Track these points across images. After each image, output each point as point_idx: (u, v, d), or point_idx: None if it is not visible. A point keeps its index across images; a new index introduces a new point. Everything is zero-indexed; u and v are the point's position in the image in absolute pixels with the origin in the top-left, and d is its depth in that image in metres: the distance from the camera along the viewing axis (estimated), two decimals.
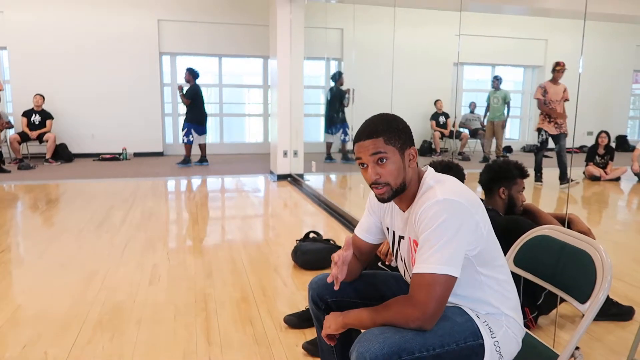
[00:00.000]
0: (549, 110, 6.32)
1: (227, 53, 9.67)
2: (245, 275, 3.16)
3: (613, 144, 8.45)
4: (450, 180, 1.40)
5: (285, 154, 6.90)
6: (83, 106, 8.83)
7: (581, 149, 8.75)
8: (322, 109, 10.51)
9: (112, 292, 2.85)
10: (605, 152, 7.11)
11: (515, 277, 1.66)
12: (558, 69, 6.30)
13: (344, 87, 8.35)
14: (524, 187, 2.47)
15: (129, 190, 6.06)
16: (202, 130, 8.14)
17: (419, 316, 1.26)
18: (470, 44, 10.28)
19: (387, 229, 1.57)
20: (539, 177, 6.39)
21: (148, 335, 2.34)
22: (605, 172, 7.07)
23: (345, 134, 8.44)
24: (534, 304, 2.35)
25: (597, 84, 9.78)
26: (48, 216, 4.70)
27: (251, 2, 9.25)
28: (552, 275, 1.52)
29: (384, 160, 1.35)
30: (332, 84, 8.45)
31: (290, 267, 3.33)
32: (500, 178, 2.43)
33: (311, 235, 3.49)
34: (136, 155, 9.01)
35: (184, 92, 7.83)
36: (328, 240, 3.43)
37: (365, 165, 1.38)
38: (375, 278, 1.66)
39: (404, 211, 1.46)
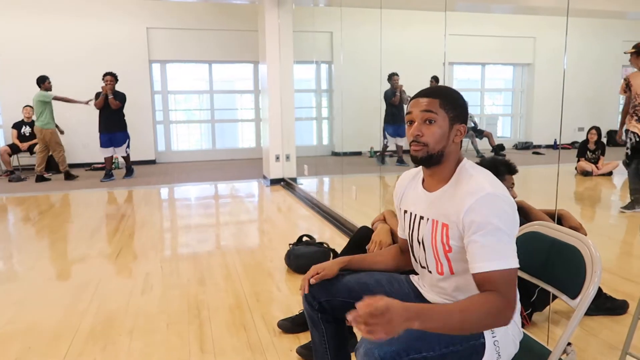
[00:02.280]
0: (633, 109, 4.70)
1: (217, 59, 9.66)
2: (238, 281, 3.14)
3: (604, 139, 8.50)
4: (490, 174, 1.37)
5: (277, 158, 6.89)
6: (74, 116, 8.78)
7: (573, 144, 8.80)
8: (314, 112, 10.53)
9: (104, 302, 2.82)
10: (596, 148, 7.15)
11: None
12: None
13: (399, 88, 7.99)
14: (513, 183, 2.47)
15: (122, 199, 6.02)
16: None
17: (512, 313, 1.24)
18: (460, 44, 10.32)
19: (405, 211, 1.54)
20: (634, 202, 4.59)
21: (141, 345, 2.31)
22: (596, 167, 7.11)
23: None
24: (528, 301, 2.35)
25: (588, 80, 9.84)
26: (40, 227, 4.66)
27: (239, 8, 9.25)
28: (543, 271, 1.51)
29: (432, 121, 1.34)
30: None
31: (284, 271, 3.32)
32: None
33: (304, 239, 3.48)
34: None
35: (114, 95, 7.16)
36: (321, 244, 3.41)
37: (412, 122, 1.38)
38: (368, 278, 1.64)
39: (430, 192, 1.43)
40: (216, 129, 10.14)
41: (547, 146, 10.74)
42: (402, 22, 9.80)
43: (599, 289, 2.55)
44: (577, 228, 2.35)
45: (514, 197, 2.48)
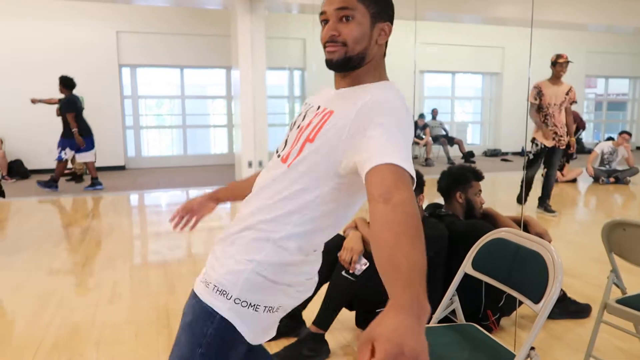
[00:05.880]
0: (543, 117, 4.90)
1: (189, 64, 9.56)
2: None
3: None
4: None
5: (250, 164, 6.86)
6: (39, 121, 8.54)
7: None
8: (287, 119, 10.53)
9: (70, 313, 2.74)
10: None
11: (477, 280, 1.69)
12: (561, 61, 4.82)
13: None
14: (480, 190, 2.53)
15: (89, 206, 5.89)
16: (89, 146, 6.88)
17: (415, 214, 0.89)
18: (431, 53, 10.51)
19: (307, 103, 1.29)
20: (527, 199, 5.07)
21: (107, 357, 2.26)
22: (562, 174, 7.31)
23: None
24: (496, 305, 2.39)
25: None
26: (1, 236, 4.51)
27: (212, 13, 9.20)
28: (508, 277, 1.55)
29: (350, 18, 1.12)
30: None
31: None
32: (456, 183, 2.49)
33: None
34: (97, 169, 8.77)
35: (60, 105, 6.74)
36: None
37: (326, 21, 1.15)
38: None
39: (337, 89, 1.22)
40: (188, 135, 10.02)
41: (515, 153, 11.01)
42: None
43: (564, 293, 2.63)
44: (542, 234, 2.41)
45: (481, 204, 2.53)
